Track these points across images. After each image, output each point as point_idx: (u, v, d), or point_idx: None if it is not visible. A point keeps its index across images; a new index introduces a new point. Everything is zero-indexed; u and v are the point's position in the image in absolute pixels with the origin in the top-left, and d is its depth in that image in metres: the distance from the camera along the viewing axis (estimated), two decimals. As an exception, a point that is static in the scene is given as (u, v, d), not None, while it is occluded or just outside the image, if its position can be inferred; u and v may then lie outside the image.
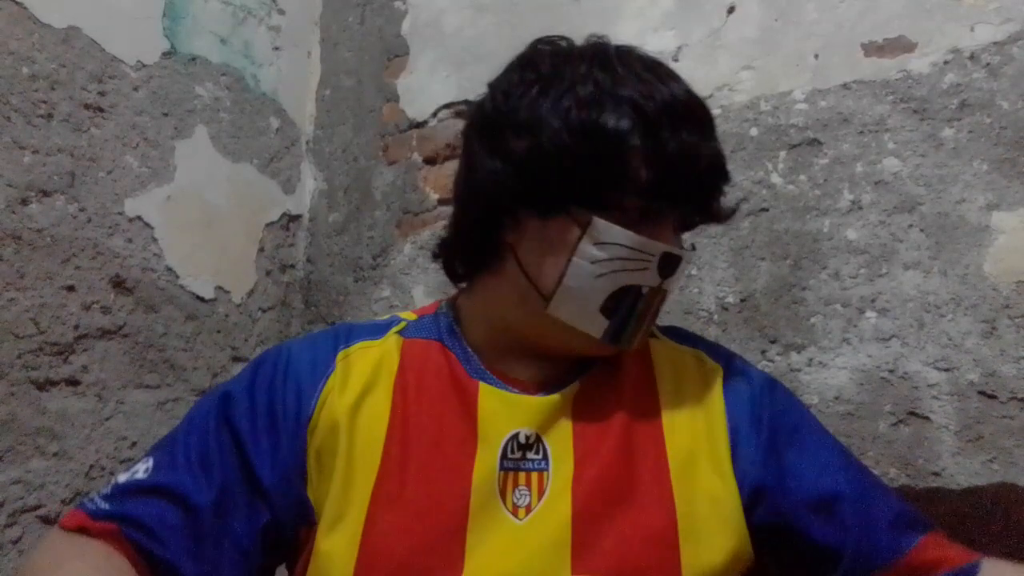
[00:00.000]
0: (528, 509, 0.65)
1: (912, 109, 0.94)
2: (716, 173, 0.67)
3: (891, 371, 0.92)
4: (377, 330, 0.75)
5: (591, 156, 0.63)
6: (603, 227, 0.64)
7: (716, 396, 0.71)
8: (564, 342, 0.69)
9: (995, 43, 0.90)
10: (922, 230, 0.92)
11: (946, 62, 0.93)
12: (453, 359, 0.71)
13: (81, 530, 0.63)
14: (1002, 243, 0.88)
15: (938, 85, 0.93)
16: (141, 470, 0.67)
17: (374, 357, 0.72)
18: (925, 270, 0.91)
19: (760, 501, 0.67)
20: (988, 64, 0.90)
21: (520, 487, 0.66)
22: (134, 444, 1.04)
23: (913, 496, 0.88)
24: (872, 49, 0.98)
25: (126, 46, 1.06)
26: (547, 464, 0.67)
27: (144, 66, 1.09)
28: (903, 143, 0.94)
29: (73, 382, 0.98)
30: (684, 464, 0.67)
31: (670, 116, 0.64)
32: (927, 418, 0.89)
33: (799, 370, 0.97)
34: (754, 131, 1.04)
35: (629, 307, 0.66)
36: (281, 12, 1.35)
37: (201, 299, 1.16)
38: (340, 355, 0.71)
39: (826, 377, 0.95)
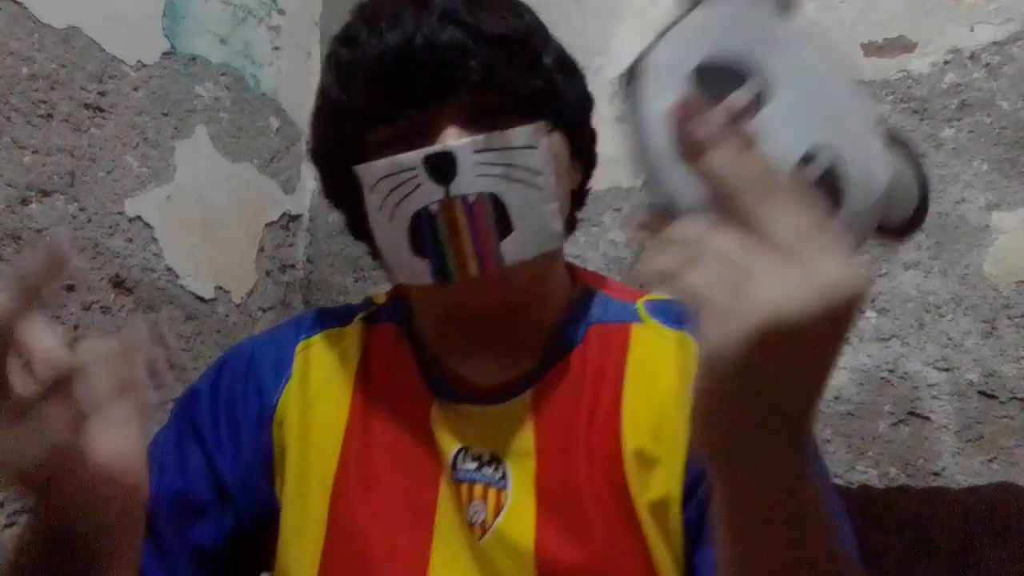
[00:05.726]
0: (484, 528, 0.59)
1: (912, 109, 0.94)
2: (409, 55, 0.57)
3: (891, 371, 0.92)
4: (346, 315, 0.70)
5: (324, 118, 0.64)
6: (363, 171, 0.59)
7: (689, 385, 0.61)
8: (443, 306, 0.64)
9: (995, 43, 0.90)
10: (922, 230, 0.92)
11: (946, 62, 0.93)
12: (410, 354, 0.66)
13: None
14: (1002, 243, 0.88)
15: (938, 85, 0.93)
16: None
17: (336, 348, 0.67)
18: (925, 270, 0.91)
19: (695, 490, 0.57)
20: (988, 64, 0.90)
21: (475, 501, 0.60)
22: (134, 444, 1.04)
23: (913, 496, 0.88)
24: (872, 49, 0.98)
25: (126, 46, 1.06)
26: (506, 483, 0.60)
27: (144, 66, 1.09)
28: (903, 143, 0.94)
29: (73, 382, 0.98)
30: (639, 469, 0.58)
31: (348, 32, 0.61)
32: (927, 418, 0.89)
33: (799, 370, 0.96)
34: (754, 131, 1.04)
35: (431, 234, 0.57)
36: (281, 12, 1.35)
37: (201, 299, 1.16)
38: (300, 346, 0.68)
39: (826, 377, 0.95)
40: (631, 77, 0.41)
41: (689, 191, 0.37)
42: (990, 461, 0.85)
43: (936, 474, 0.88)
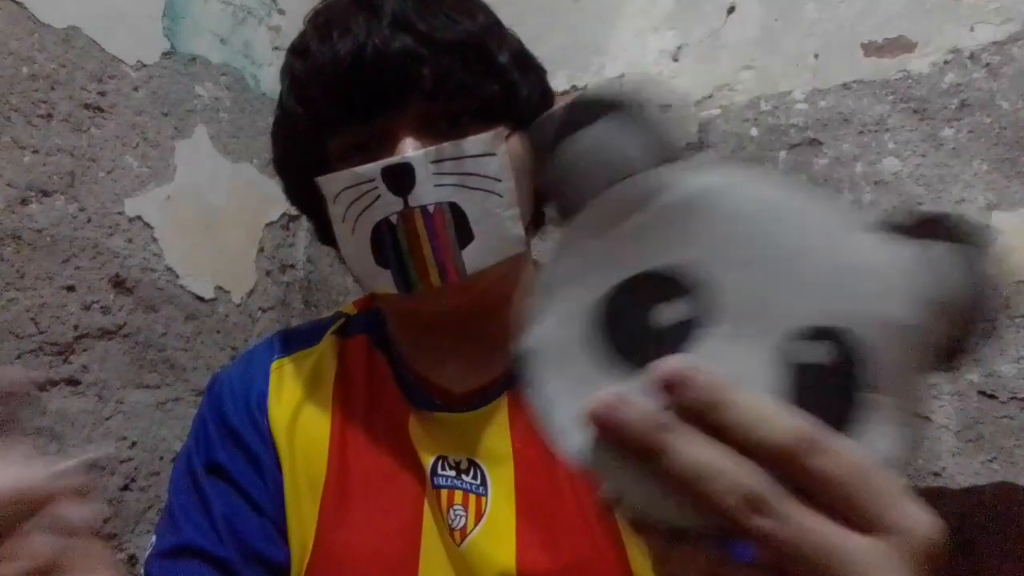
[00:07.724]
0: (464, 533, 0.58)
1: (912, 109, 0.94)
2: (360, 64, 0.56)
3: (891, 371, 0.91)
4: (315, 334, 0.70)
5: (282, 129, 0.64)
6: (324, 182, 0.59)
7: None
8: (410, 313, 0.64)
9: (995, 43, 0.90)
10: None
11: (946, 62, 0.93)
12: (384, 365, 0.66)
13: None
14: (1002, 243, 0.88)
15: (938, 85, 0.93)
16: (151, 545, 0.63)
17: (309, 367, 0.67)
18: (925, 270, 0.91)
19: None
20: (988, 64, 0.90)
21: (456, 506, 0.59)
22: (134, 444, 1.04)
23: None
24: (872, 49, 0.97)
25: (126, 46, 1.06)
26: (486, 490, 0.60)
27: (144, 66, 1.09)
28: (903, 143, 0.94)
29: (73, 382, 0.98)
30: None
31: (301, 42, 0.61)
32: (927, 418, 0.89)
33: (799, 370, 0.97)
34: (754, 131, 1.04)
35: (392, 245, 0.57)
36: (281, 12, 1.35)
37: (201, 299, 1.16)
38: (274, 365, 0.68)
39: (826, 377, 0.95)
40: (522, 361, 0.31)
41: (662, 501, 0.28)
42: (990, 461, 0.85)
43: (936, 474, 0.88)
